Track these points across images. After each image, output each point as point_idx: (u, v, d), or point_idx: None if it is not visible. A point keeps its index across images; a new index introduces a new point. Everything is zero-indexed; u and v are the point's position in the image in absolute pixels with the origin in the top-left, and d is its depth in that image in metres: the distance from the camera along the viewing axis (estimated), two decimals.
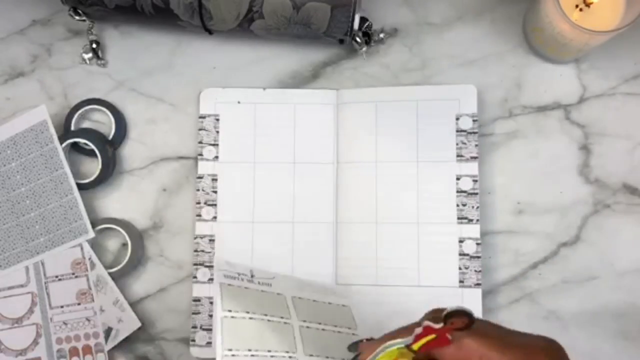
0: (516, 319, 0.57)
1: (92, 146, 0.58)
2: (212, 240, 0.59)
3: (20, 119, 0.59)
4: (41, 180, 0.59)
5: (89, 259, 0.58)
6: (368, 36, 0.59)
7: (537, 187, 0.59)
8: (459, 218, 0.58)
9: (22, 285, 0.59)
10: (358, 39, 0.58)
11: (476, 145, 0.58)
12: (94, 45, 0.61)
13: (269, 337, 0.45)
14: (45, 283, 0.59)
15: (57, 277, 0.59)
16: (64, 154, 0.58)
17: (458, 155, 0.58)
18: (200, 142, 0.60)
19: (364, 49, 0.59)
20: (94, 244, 0.59)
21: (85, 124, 0.62)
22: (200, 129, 0.60)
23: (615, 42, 0.56)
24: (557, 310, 0.58)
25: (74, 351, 0.58)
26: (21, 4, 0.63)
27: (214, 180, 0.60)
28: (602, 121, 0.59)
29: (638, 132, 0.59)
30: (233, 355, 0.43)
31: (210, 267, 0.59)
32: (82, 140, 0.59)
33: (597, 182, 0.58)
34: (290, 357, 0.45)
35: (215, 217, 0.59)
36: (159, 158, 0.61)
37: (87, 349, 0.58)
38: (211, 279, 0.58)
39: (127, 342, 0.59)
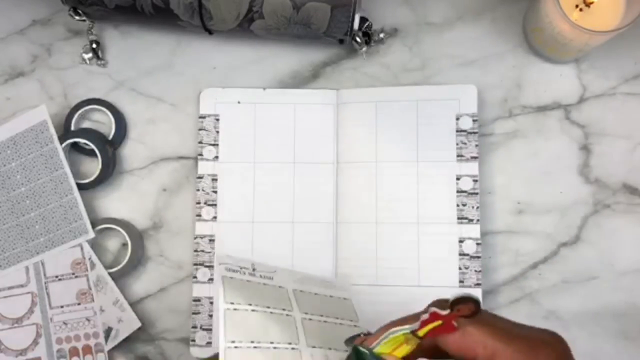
0: (516, 319, 0.56)
1: (92, 146, 0.58)
2: (212, 240, 0.59)
3: (20, 119, 0.59)
4: (41, 180, 0.59)
5: (89, 259, 0.58)
6: (368, 36, 0.59)
7: (537, 187, 0.59)
8: (459, 218, 0.58)
9: (22, 285, 0.59)
10: (358, 39, 0.58)
11: (476, 145, 0.58)
12: (94, 45, 0.61)
13: (272, 328, 0.45)
14: (45, 283, 0.59)
15: (57, 277, 0.59)
16: (64, 154, 0.58)
17: (458, 155, 0.58)
18: (200, 142, 0.60)
19: (364, 49, 0.59)
20: (94, 244, 0.59)
21: (85, 124, 0.62)
22: (200, 129, 0.60)
23: (615, 42, 0.56)
24: (557, 310, 0.58)
25: (74, 351, 0.58)
26: (21, 4, 0.63)
27: (214, 180, 0.60)
28: (602, 121, 0.59)
29: (638, 132, 0.59)
30: (236, 347, 0.43)
31: (211, 267, 0.59)
32: (82, 140, 0.59)
33: (597, 182, 0.58)
34: (292, 348, 0.45)
35: (215, 217, 0.59)
36: (159, 158, 0.61)
37: (87, 349, 0.58)
38: (211, 279, 0.58)
39: (127, 342, 0.59)
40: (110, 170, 0.60)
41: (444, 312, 0.35)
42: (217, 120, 0.60)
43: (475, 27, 0.61)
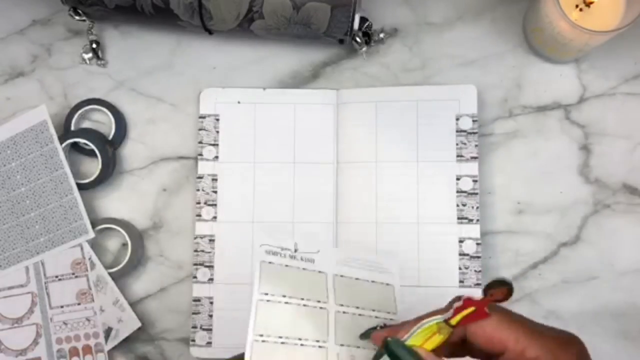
0: None
1: (92, 146, 0.58)
2: (212, 240, 0.59)
3: (20, 119, 0.59)
4: (41, 180, 0.59)
5: (89, 259, 0.58)
6: (368, 36, 0.59)
7: (537, 187, 0.59)
8: (459, 218, 0.58)
9: (22, 285, 0.59)
10: (358, 39, 0.58)
11: (476, 146, 0.58)
12: (94, 45, 0.61)
13: (302, 323, 0.45)
14: (45, 283, 0.59)
15: (57, 277, 0.59)
16: (64, 154, 0.58)
17: (458, 156, 0.58)
18: (200, 142, 0.60)
19: (364, 49, 0.59)
20: (94, 244, 0.59)
21: (85, 124, 0.62)
22: (200, 129, 0.60)
23: (615, 42, 0.56)
24: (557, 310, 0.58)
25: (74, 351, 0.58)
26: (21, 4, 0.63)
27: (214, 180, 0.60)
28: (602, 121, 0.59)
29: (638, 132, 0.59)
30: (263, 341, 0.43)
31: (211, 267, 0.59)
32: (82, 140, 0.59)
33: (597, 182, 0.58)
34: (320, 346, 0.44)
35: (215, 217, 0.59)
36: (159, 158, 0.61)
37: (87, 349, 0.58)
38: (211, 279, 0.58)
39: (127, 342, 0.59)
40: (110, 170, 0.60)
41: (478, 298, 0.35)
42: (217, 120, 0.60)
43: (475, 27, 0.61)
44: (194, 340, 0.58)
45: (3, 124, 0.60)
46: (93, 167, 0.59)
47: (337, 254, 0.50)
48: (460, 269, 0.57)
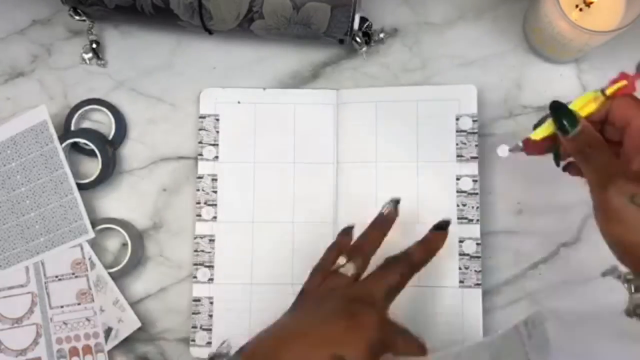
0: (516, 319, 0.57)
1: (92, 146, 0.58)
2: (212, 240, 0.59)
3: (20, 119, 0.59)
4: (41, 180, 0.59)
5: (89, 259, 0.58)
6: (368, 36, 0.59)
7: (537, 187, 0.59)
8: (459, 218, 0.58)
9: (22, 285, 0.59)
10: (358, 39, 0.58)
11: (476, 146, 0.58)
12: (94, 45, 0.61)
13: None
14: (45, 283, 0.59)
15: (57, 277, 0.59)
16: (64, 154, 0.58)
17: (458, 156, 0.58)
18: (200, 142, 0.60)
19: (364, 49, 0.59)
20: (94, 244, 0.59)
21: (85, 124, 0.61)
22: (200, 129, 0.60)
23: (615, 42, 0.56)
24: (557, 310, 0.58)
25: (74, 351, 0.58)
26: (21, 4, 0.63)
27: (214, 180, 0.60)
28: None
29: None
30: None
31: (211, 267, 0.59)
32: (82, 140, 0.59)
33: None
34: None
35: (215, 217, 0.59)
36: (159, 158, 0.61)
37: (87, 349, 0.58)
38: (211, 279, 0.58)
39: (127, 342, 0.59)
40: (110, 170, 0.60)
41: (632, 73, 0.42)
42: (217, 120, 0.60)
43: (476, 27, 0.61)
44: (194, 340, 0.58)
45: (3, 124, 0.60)
46: (93, 167, 0.59)
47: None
48: (460, 268, 0.57)
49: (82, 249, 0.58)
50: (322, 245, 0.58)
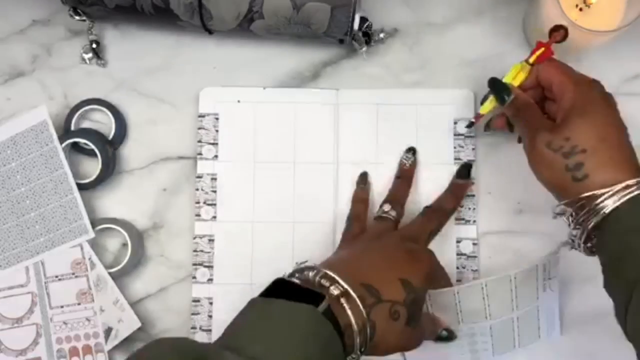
0: None
1: (92, 146, 0.58)
2: (211, 240, 0.59)
3: (20, 119, 0.59)
4: (41, 180, 0.59)
5: (89, 259, 0.58)
6: (368, 36, 0.59)
7: (537, 187, 0.58)
8: (456, 219, 0.58)
9: (22, 285, 0.59)
10: (358, 39, 0.58)
11: (473, 149, 0.59)
12: (94, 45, 0.61)
13: None
14: (45, 283, 0.59)
15: (57, 277, 0.59)
16: (64, 154, 0.58)
17: (455, 158, 0.59)
18: (200, 141, 0.60)
19: (364, 49, 0.59)
20: (94, 244, 0.59)
21: (85, 124, 0.61)
22: (199, 128, 0.60)
23: (615, 42, 0.56)
24: (561, 307, 0.58)
25: (74, 351, 0.58)
26: (21, 4, 0.63)
27: (214, 179, 0.60)
28: None
29: (638, 132, 0.59)
30: None
31: (210, 267, 0.59)
32: (82, 140, 0.59)
33: None
34: None
35: (214, 217, 0.59)
36: (159, 158, 0.61)
37: (87, 349, 0.58)
38: (210, 279, 0.58)
39: (127, 342, 0.59)
40: (110, 170, 0.60)
41: (545, 41, 0.51)
42: (217, 119, 0.60)
43: (476, 27, 0.61)
44: None
45: (3, 124, 0.60)
46: (93, 167, 0.59)
47: None
48: (457, 268, 0.58)
49: (82, 249, 0.58)
50: (322, 245, 0.58)
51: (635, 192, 0.44)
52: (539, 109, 0.52)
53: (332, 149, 0.60)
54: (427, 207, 0.57)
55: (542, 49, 0.51)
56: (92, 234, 0.58)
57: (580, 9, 0.54)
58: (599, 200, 0.45)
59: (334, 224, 0.59)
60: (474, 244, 0.58)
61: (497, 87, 0.52)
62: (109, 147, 0.60)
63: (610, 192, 0.45)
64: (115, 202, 0.61)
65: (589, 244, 0.48)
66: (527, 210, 0.59)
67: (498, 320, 0.53)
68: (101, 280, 0.58)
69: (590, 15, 0.54)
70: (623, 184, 0.45)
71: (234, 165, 0.60)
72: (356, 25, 0.56)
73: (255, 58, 0.61)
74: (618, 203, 0.44)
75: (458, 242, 0.58)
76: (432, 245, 0.56)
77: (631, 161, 0.47)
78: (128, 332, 0.58)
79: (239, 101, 0.60)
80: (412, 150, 0.59)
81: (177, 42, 0.62)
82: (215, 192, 0.59)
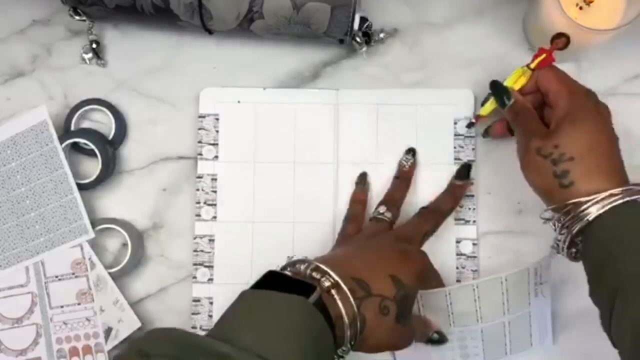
0: None
1: (92, 146, 0.58)
2: (211, 240, 0.59)
3: (20, 119, 0.59)
4: (41, 180, 0.59)
5: (89, 259, 0.58)
6: (368, 36, 0.59)
7: None
8: (456, 219, 0.58)
9: (22, 285, 0.59)
10: (358, 39, 0.58)
11: (473, 149, 0.59)
12: (94, 45, 0.61)
13: None
14: (45, 283, 0.59)
15: (57, 277, 0.59)
16: (64, 154, 0.58)
17: (455, 159, 0.59)
18: (200, 142, 0.60)
19: (364, 49, 0.59)
20: (94, 244, 0.59)
21: (85, 124, 0.61)
22: (199, 129, 0.60)
23: (615, 41, 0.56)
24: (557, 310, 0.58)
25: (74, 351, 0.58)
26: (21, 4, 0.63)
27: (214, 180, 0.60)
28: None
29: (638, 132, 0.59)
30: None
31: (210, 267, 0.59)
32: (82, 140, 0.59)
33: None
34: None
35: (215, 217, 0.59)
36: (159, 158, 0.61)
37: (87, 349, 0.58)
38: (211, 279, 0.58)
39: (127, 342, 0.59)
40: (110, 170, 0.60)
41: (547, 47, 0.52)
42: (217, 119, 0.60)
43: (476, 27, 0.61)
44: None
45: (3, 124, 0.60)
46: (93, 167, 0.59)
47: None
48: (457, 268, 0.58)
49: (82, 249, 0.58)
50: (322, 245, 0.58)
51: (619, 201, 0.45)
52: (539, 113, 0.53)
53: (332, 149, 0.60)
54: (423, 208, 0.57)
55: (544, 55, 0.52)
56: (92, 234, 0.58)
57: (580, 8, 0.54)
58: (584, 207, 0.46)
59: (333, 224, 0.59)
60: (474, 244, 0.58)
61: (498, 90, 0.52)
62: (109, 147, 0.60)
63: (595, 200, 0.46)
64: (115, 202, 0.61)
65: (573, 250, 0.49)
66: (527, 210, 0.58)
67: (489, 324, 0.53)
68: (101, 280, 0.58)
69: (590, 13, 0.54)
70: (607, 193, 0.46)
71: (234, 165, 0.60)
72: (356, 25, 0.56)
73: (255, 58, 0.61)
74: (601, 211, 0.45)
75: (458, 242, 0.58)
76: (432, 246, 0.56)
77: (618, 171, 0.48)
78: (128, 332, 0.58)
79: (239, 101, 0.60)
80: (411, 152, 0.59)
81: (177, 42, 0.62)
82: (215, 192, 0.59)
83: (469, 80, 0.60)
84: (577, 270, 0.57)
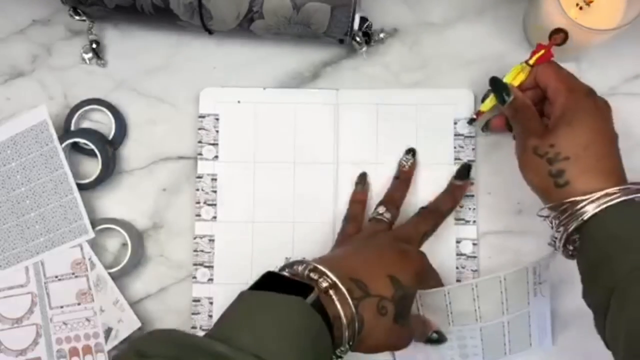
0: None
1: (92, 146, 0.58)
2: (211, 240, 0.59)
3: (20, 119, 0.59)
4: (41, 180, 0.59)
5: (89, 259, 0.58)
6: (368, 36, 0.59)
7: None
8: (456, 219, 0.58)
9: (22, 285, 0.59)
10: (358, 39, 0.58)
11: (473, 149, 0.59)
12: (94, 45, 0.61)
13: None
14: (45, 283, 0.59)
15: (57, 277, 0.59)
16: (64, 154, 0.58)
17: (456, 159, 0.59)
18: (200, 142, 0.60)
19: (364, 48, 0.59)
20: (94, 244, 0.59)
21: (85, 124, 0.61)
22: (199, 129, 0.60)
23: (615, 41, 0.56)
24: (557, 310, 0.58)
25: (74, 351, 0.58)
26: (21, 4, 0.63)
27: (214, 180, 0.60)
28: None
29: (638, 132, 0.59)
30: None
31: (210, 267, 0.59)
32: (82, 140, 0.59)
33: None
34: None
35: (215, 217, 0.59)
36: (159, 158, 0.61)
37: (87, 349, 0.58)
38: (211, 279, 0.58)
39: (126, 342, 0.59)
40: (110, 170, 0.60)
41: (545, 43, 0.52)
42: (217, 119, 0.60)
43: (476, 27, 0.61)
44: None
45: (3, 124, 0.60)
46: (93, 167, 0.59)
47: None
48: (457, 268, 0.58)
49: (82, 249, 0.58)
50: (322, 245, 0.58)
51: (615, 201, 0.45)
52: (539, 109, 0.53)
53: (332, 149, 0.60)
54: (423, 208, 0.57)
55: (542, 51, 0.52)
56: (92, 234, 0.58)
57: (580, 8, 0.54)
58: (580, 205, 0.46)
59: (333, 224, 0.59)
60: (474, 244, 0.58)
61: (497, 86, 0.52)
62: (109, 147, 0.60)
63: (590, 199, 0.46)
64: (115, 202, 0.61)
65: (570, 247, 0.49)
66: (527, 210, 0.58)
67: (488, 324, 0.53)
68: (101, 280, 0.58)
69: (590, 13, 0.54)
70: (603, 192, 0.46)
71: (234, 165, 0.60)
72: (356, 25, 0.56)
73: (255, 58, 0.61)
74: (597, 210, 0.45)
75: (458, 242, 0.58)
76: (432, 246, 0.56)
77: (615, 170, 0.48)
78: (128, 332, 0.58)
79: (239, 101, 0.60)
80: (411, 152, 0.59)
81: (177, 42, 0.62)
82: (215, 192, 0.59)
83: (468, 80, 0.60)
84: (577, 270, 0.57)
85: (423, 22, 0.61)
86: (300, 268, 0.45)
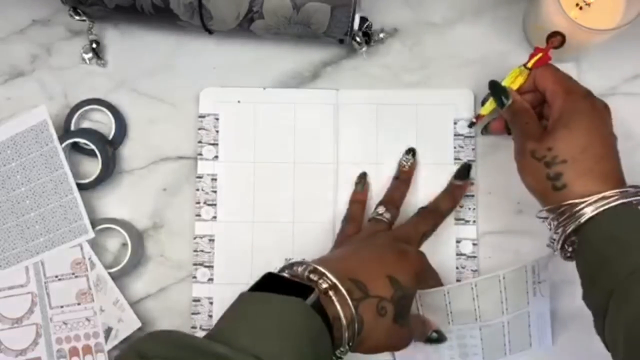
0: None
1: (92, 146, 0.58)
2: (211, 240, 0.59)
3: (20, 119, 0.59)
4: (41, 180, 0.59)
5: (89, 259, 0.58)
6: (368, 36, 0.59)
7: None
8: (456, 219, 0.58)
9: (22, 285, 0.59)
10: (358, 39, 0.58)
11: (473, 149, 0.59)
12: (94, 45, 0.61)
13: None
14: (45, 283, 0.59)
15: (57, 277, 0.59)
16: (64, 154, 0.58)
17: (455, 159, 0.59)
18: (200, 142, 0.60)
19: (364, 49, 0.59)
20: (94, 244, 0.59)
21: (85, 124, 0.61)
22: (199, 129, 0.60)
23: (615, 41, 0.56)
24: (557, 310, 0.58)
25: (74, 351, 0.58)
26: (21, 4, 0.63)
27: (214, 180, 0.60)
28: None
29: (638, 132, 0.59)
30: None
31: (210, 267, 0.59)
32: (82, 140, 0.59)
33: None
34: None
35: (215, 217, 0.59)
36: (159, 158, 0.61)
37: (87, 349, 0.58)
38: (211, 279, 0.58)
39: (127, 342, 0.59)
40: (110, 170, 0.60)
41: (543, 47, 0.52)
42: (217, 119, 0.60)
43: (476, 27, 0.61)
44: None
45: (3, 124, 0.60)
46: (93, 167, 0.59)
47: None
48: (457, 268, 0.58)
49: (82, 249, 0.58)
50: (321, 245, 0.58)
51: (613, 203, 0.45)
52: (539, 111, 0.53)
53: (332, 149, 0.60)
54: (422, 208, 0.57)
55: (540, 54, 0.52)
56: (92, 234, 0.58)
57: (580, 8, 0.54)
58: (578, 208, 0.46)
59: (333, 224, 0.59)
60: (474, 244, 0.58)
61: (496, 90, 0.52)
62: (109, 147, 0.60)
63: (588, 202, 0.46)
64: (115, 202, 0.61)
65: (568, 249, 0.49)
66: (527, 210, 0.58)
67: (488, 323, 0.53)
68: (101, 280, 0.58)
69: (590, 13, 0.54)
70: (600, 195, 0.46)
71: (234, 165, 0.60)
72: (356, 25, 0.56)
73: (255, 58, 0.61)
74: (594, 212, 0.46)
75: (458, 242, 0.58)
76: (432, 246, 0.56)
77: (613, 172, 0.48)
78: (128, 332, 0.58)
79: (239, 101, 0.60)
80: (411, 152, 0.59)
81: (177, 42, 0.62)
82: (215, 192, 0.59)
83: (469, 80, 0.60)
84: (577, 271, 0.57)
85: (423, 22, 0.61)
86: (300, 269, 0.45)
